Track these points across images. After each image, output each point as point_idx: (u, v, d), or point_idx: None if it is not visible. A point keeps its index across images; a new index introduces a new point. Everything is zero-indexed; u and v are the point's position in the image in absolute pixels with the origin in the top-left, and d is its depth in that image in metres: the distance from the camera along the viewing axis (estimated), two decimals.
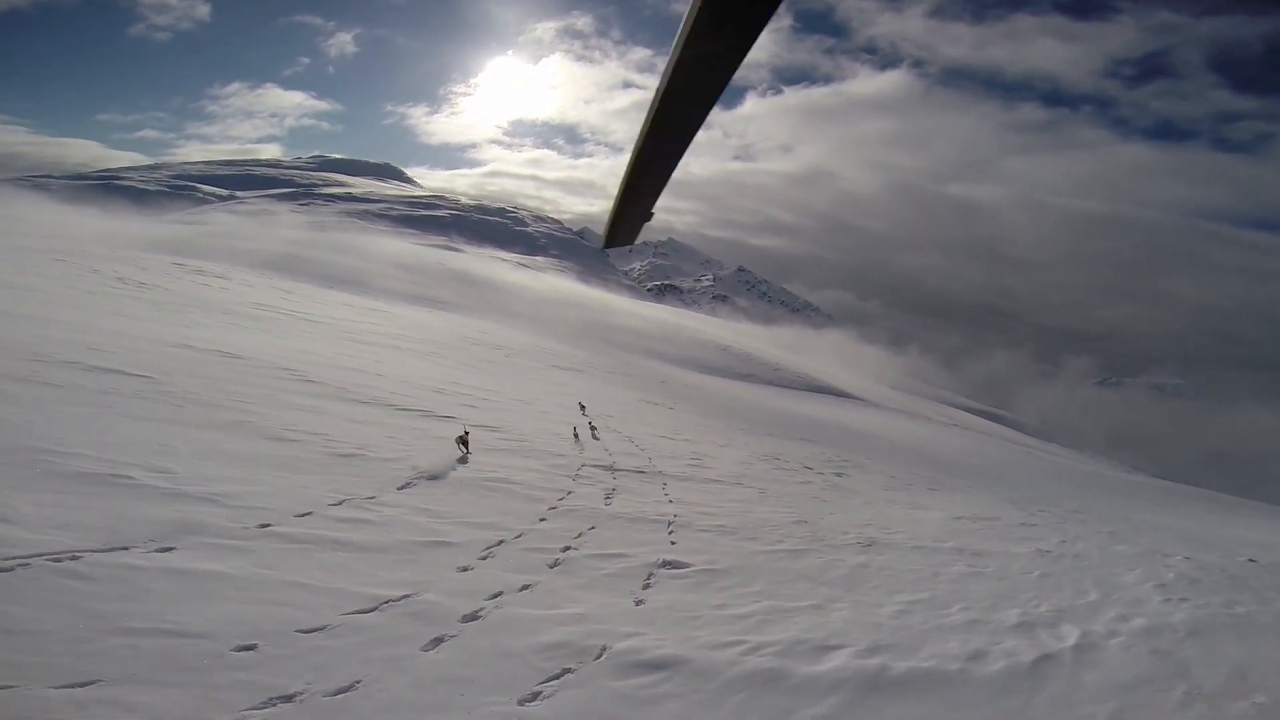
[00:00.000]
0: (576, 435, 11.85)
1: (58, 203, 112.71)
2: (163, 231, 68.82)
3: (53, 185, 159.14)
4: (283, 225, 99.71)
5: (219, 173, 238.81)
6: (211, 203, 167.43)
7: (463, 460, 8.27)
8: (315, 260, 58.83)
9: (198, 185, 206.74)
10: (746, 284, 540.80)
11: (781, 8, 0.83)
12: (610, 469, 10.10)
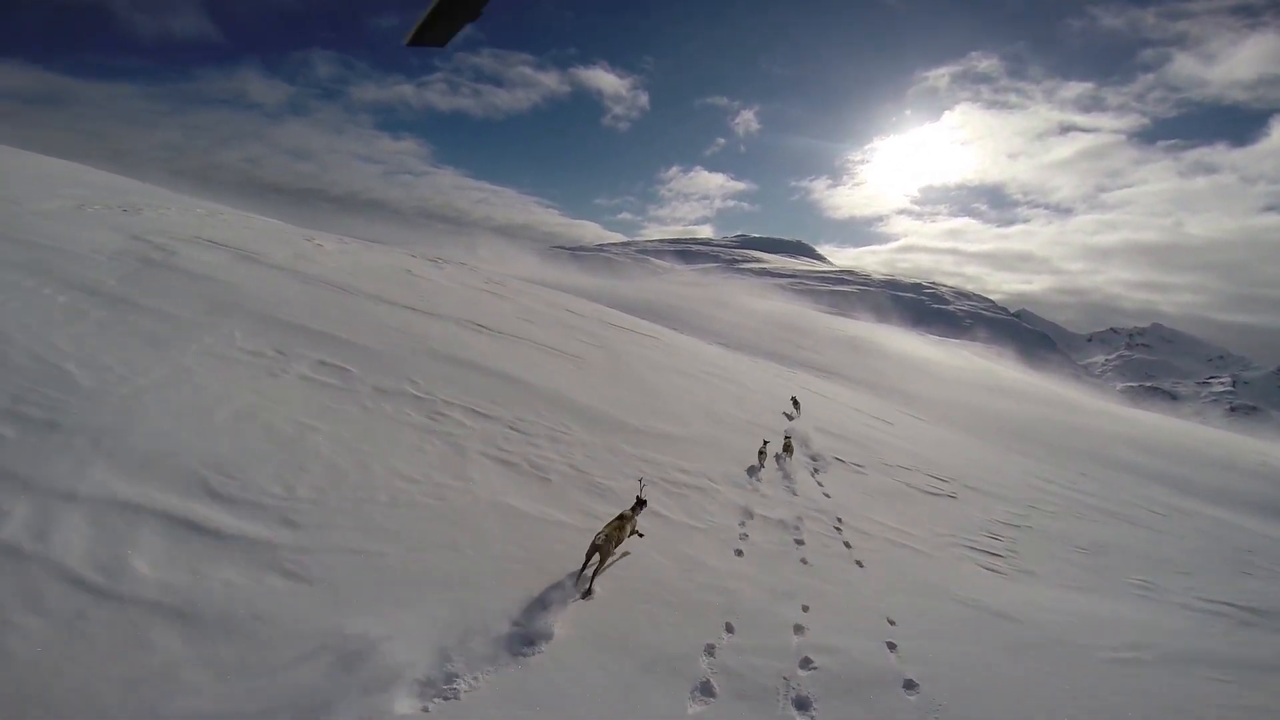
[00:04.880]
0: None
1: (572, 267, 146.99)
2: (602, 286, 75.82)
3: (564, 256, 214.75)
4: (687, 285, 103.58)
5: (667, 249, 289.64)
6: (661, 272, 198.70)
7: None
8: (691, 311, 56.06)
9: (651, 258, 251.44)
10: None
11: None
12: None
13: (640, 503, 5.35)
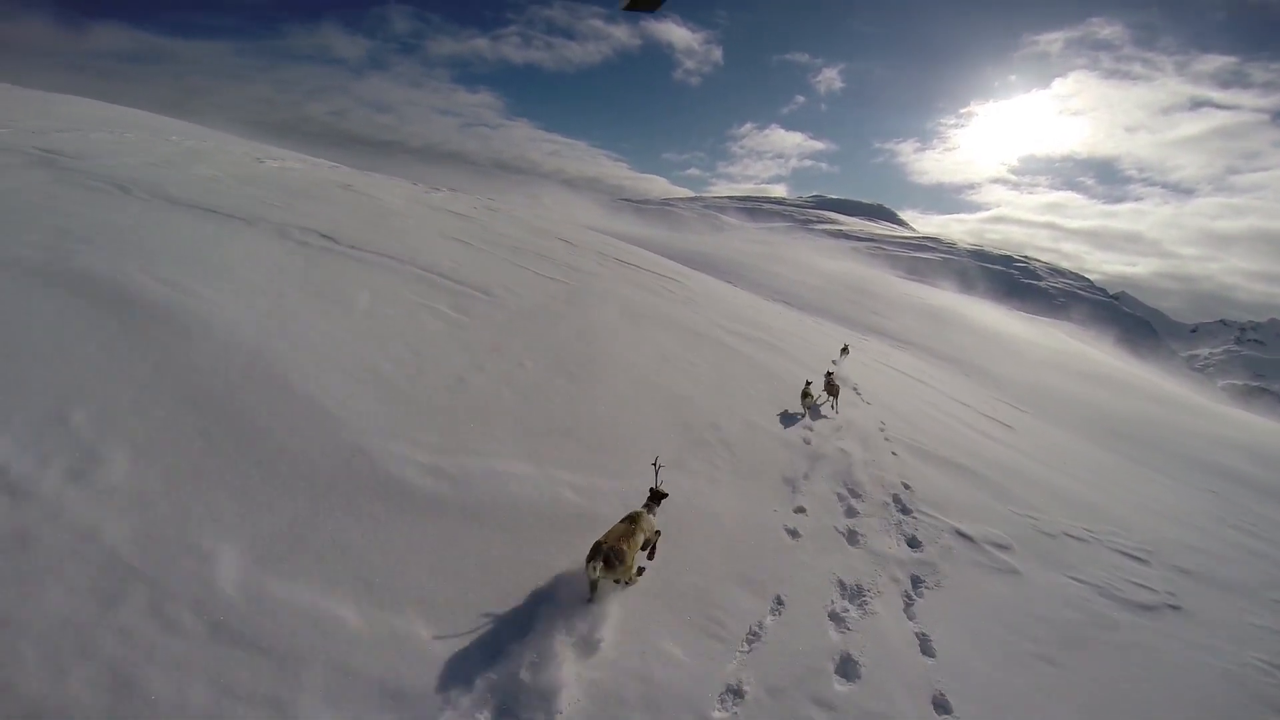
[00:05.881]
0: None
1: (628, 217, 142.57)
2: (657, 236, 71.69)
3: (627, 208, 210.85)
4: (752, 242, 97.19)
5: (736, 207, 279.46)
6: (727, 228, 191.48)
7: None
8: (752, 267, 51.95)
9: (718, 214, 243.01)
10: None
11: None
12: None
13: (657, 496, 3.85)
